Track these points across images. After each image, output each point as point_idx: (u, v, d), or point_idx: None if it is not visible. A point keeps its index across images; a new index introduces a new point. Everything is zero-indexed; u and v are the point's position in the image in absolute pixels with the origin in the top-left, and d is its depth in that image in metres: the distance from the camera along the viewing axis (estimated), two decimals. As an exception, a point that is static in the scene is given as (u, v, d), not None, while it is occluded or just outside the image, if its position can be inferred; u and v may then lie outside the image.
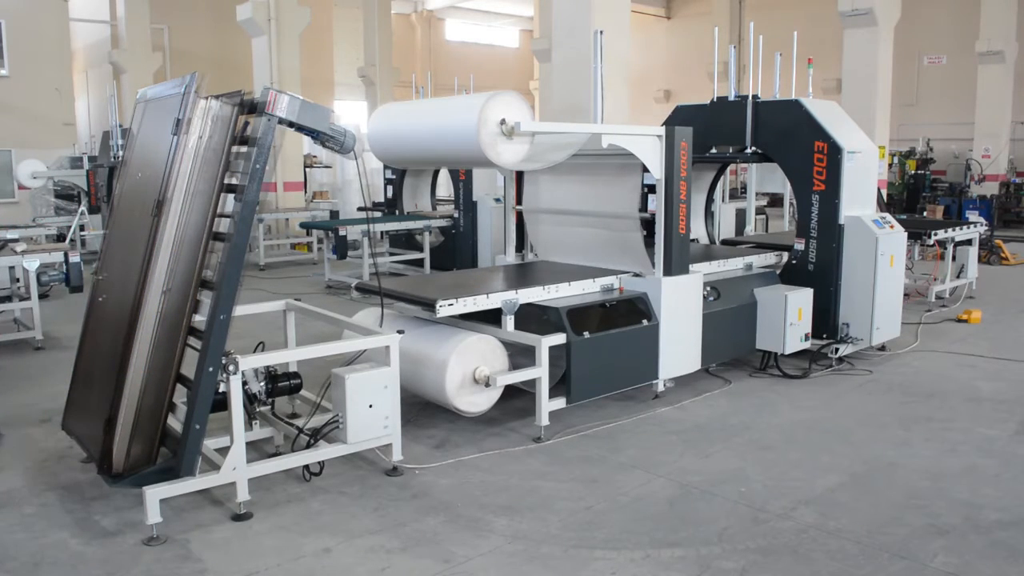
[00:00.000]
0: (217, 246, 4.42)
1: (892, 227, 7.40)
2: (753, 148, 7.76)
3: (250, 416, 4.84)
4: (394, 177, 13.62)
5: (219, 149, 4.42)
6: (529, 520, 4.41)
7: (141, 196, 4.61)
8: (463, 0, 28.36)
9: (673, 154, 6.15)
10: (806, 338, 7.10)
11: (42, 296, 8.84)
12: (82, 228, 13.35)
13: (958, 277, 10.62)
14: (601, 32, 6.47)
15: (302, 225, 13.86)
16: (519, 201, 7.56)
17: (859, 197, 7.32)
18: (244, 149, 4.42)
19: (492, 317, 5.81)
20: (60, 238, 11.78)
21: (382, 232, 12.54)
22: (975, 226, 11.05)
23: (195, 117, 4.35)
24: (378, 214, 13.42)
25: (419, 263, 12.52)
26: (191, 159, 4.36)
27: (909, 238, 8.77)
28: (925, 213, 18.68)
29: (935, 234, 9.91)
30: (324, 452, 4.80)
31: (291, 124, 4.34)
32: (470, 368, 5.52)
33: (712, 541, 4.15)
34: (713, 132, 7.97)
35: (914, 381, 6.95)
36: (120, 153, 13.50)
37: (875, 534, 4.21)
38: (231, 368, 4.28)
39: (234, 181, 4.42)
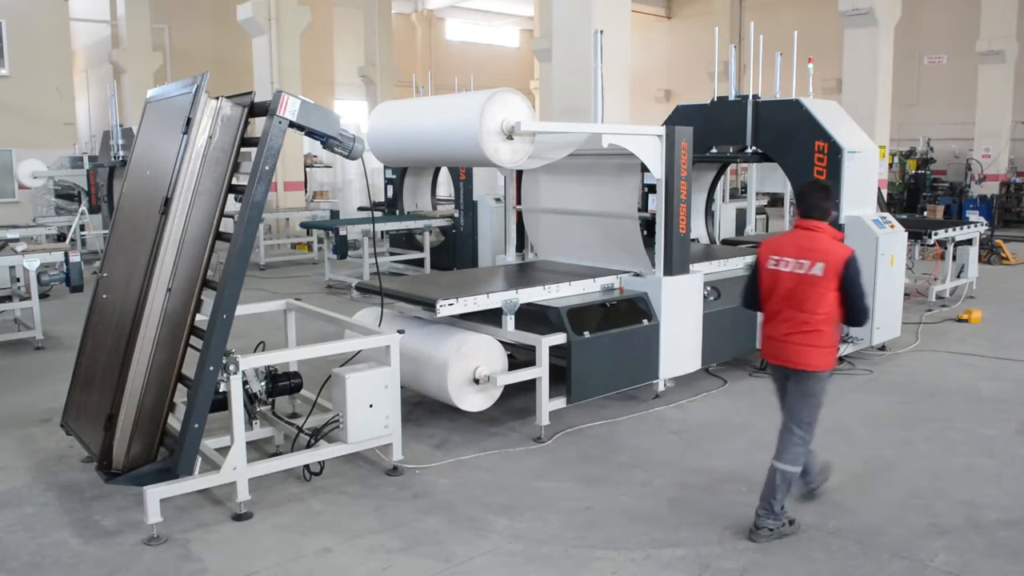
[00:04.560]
0: (222, 246, 4.42)
1: (892, 227, 7.39)
2: (753, 148, 7.76)
3: (250, 416, 4.84)
4: (394, 177, 13.61)
5: (226, 149, 4.43)
6: (529, 520, 4.41)
7: (147, 195, 4.62)
8: (463, 0, 28.34)
9: (673, 154, 6.15)
10: (806, 338, 7.09)
11: (42, 296, 8.83)
12: (82, 228, 13.35)
13: (958, 277, 10.62)
14: (601, 32, 6.47)
15: (302, 225, 13.85)
16: (519, 201, 7.56)
17: (859, 197, 7.32)
18: (250, 150, 4.42)
19: (492, 317, 5.82)
20: (60, 238, 11.77)
21: (382, 232, 12.54)
22: (975, 226, 11.04)
23: (204, 117, 4.36)
24: (379, 214, 13.41)
25: (419, 263, 12.52)
26: (198, 159, 4.36)
27: (909, 238, 8.76)
28: (925, 213, 18.66)
29: (935, 234, 9.91)
30: (324, 452, 4.80)
31: (300, 127, 4.34)
32: (470, 368, 5.52)
33: (712, 541, 4.15)
34: (713, 132, 7.97)
35: (914, 381, 6.95)
36: (120, 153, 13.50)
37: (875, 534, 4.21)
38: (232, 367, 4.28)
39: (241, 182, 4.43)
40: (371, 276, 11.11)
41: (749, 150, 7.82)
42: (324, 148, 4.60)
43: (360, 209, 15.55)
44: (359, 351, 5.08)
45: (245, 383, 4.71)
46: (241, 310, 4.44)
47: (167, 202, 4.32)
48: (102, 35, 20.67)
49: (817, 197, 4.25)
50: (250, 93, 4.57)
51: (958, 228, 10.50)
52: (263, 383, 4.95)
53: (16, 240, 9.38)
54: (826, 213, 4.24)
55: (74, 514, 4.53)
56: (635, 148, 6.03)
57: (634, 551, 4.06)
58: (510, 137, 5.31)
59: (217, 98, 4.45)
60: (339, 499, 4.68)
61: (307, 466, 4.89)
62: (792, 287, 4.14)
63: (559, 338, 5.64)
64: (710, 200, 8.96)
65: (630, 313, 6.20)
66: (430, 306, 5.54)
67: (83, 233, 13.70)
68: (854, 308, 4.09)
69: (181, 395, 4.49)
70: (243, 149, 4.51)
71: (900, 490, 4.75)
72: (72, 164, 15.81)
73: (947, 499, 4.62)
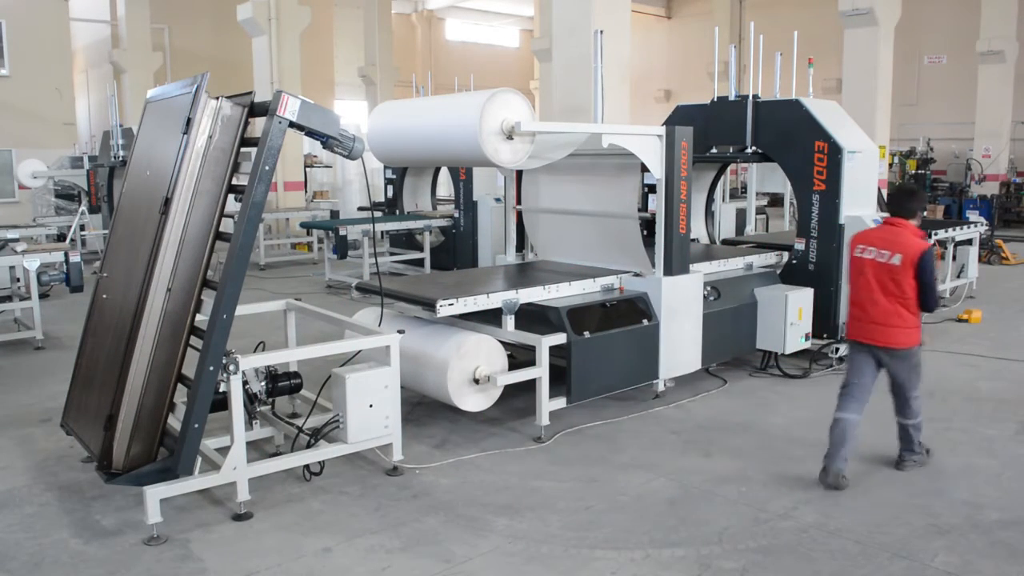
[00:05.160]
0: (222, 246, 4.42)
1: (892, 227, 7.37)
2: (753, 148, 7.75)
3: (250, 416, 4.84)
4: (394, 177, 13.62)
5: (226, 149, 4.43)
6: (529, 520, 4.41)
7: (148, 195, 4.62)
8: (463, 0, 28.35)
9: (673, 154, 6.15)
10: (806, 338, 7.10)
11: (42, 296, 8.83)
12: (82, 228, 13.35)
13: (958, 277, 10.62)
14: (601, 32, 6.47)
15: (302, 225, 13.85)
16: (519, 201, 7.56)
17: (859, 197, 7.31)
18: (250, 150, 4.42)
19: (492, 317, 5.81)
20: (60, 238, 11.77)
21: (382, 232, 12.55)
22: (975, 226, 11.05)
23: (204, 117, 4.36)
24: (379, 214, 13.41)
25: (419, 263, 12.52)
26: (198, 159, 4.36)
27: (909, 238, 8.73)
28: (925, 213, 18.65)
29: (935, 234, 9.90)
30: (324, 452, 4.80)
31: (300, 127, 4.34)
32: (470, 368, 5.52)
33: (712, 541, 4.15)
34: (713, 132, 7.97)
35: (914, 381, 6.94)
36: (120, 153, 13.50)
37: (875, 534, 4.21)
38: (232, 367, 4.28)
39: (241, 182, 4.43)
40: (371, 276, 11.11)
41: (749, 150, 7.81)
42: (324, 148, 4.60)
43: (360, 209, 15.54)
44: (359, 351, 5.08)
45: (245, 383, 4.71)
46: (241, 310, 4.44)
47: (167, 202, 4.32)
48: (102, 35, 20.68)
49: (905, 199, 4.93)
50: (250, 93, 4.57)
51: (958, 228, 10.51)
52: (263, 383, 4.95)
53: (16, 240, 9.37)
54: (912, 213, 4.89)
55: (74, 514, 4.53)
56: (635, 148, 6.03)
57: (634, 551, 4.06)
58: (510, 137, 5.31)
59: (217, 98, 4.44)
60: (339, 499, 4.68)
61: (307, 466, 4.89)
62: (874, 273, 4.80)
63: (559, 338, 5.64)
64: (710, 200, 8.96)
65: (630, 313, 6.20)
66: (430, 306, 5.54)
67: (83, 233, 13.70)
68: (925, 296, 4.75)
69: (181, 395, 4.49)
70: (243, 149, 4.51)
71: (900, 490, 4.75)
72: (72, 164, 15.82)
73: (947, 499, 4.62)
